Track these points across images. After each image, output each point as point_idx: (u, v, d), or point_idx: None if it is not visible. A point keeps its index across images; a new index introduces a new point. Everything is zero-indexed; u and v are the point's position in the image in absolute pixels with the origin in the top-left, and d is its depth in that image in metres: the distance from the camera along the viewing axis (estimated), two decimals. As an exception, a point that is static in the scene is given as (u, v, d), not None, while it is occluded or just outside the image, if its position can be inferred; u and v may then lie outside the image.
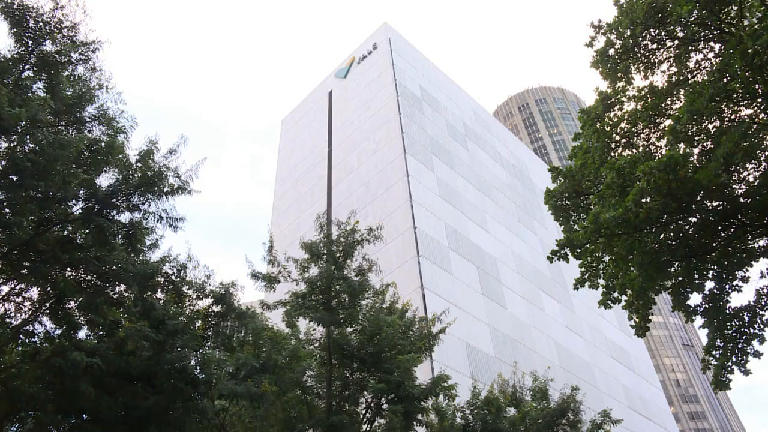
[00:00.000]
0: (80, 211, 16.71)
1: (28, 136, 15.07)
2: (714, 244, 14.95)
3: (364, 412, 23.58)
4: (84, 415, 19.12)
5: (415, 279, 48.36)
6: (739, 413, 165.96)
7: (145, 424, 18.67)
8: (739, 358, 15.00)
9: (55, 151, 14.79)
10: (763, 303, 14.87)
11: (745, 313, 15.06)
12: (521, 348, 54.14)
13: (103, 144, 16.54)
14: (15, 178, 15.06)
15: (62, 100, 15.91)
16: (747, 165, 14.31)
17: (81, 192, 16.48)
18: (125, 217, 17.42)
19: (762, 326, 14.84)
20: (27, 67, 16.19)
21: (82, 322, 18.15)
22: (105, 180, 17.21)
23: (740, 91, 13.85)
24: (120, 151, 16.85)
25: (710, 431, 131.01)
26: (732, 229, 14.73)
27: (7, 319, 17.73)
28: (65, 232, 17.19)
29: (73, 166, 15.87)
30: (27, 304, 17.80)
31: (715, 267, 15.26)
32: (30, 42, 16.07)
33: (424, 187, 58.55)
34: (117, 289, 17.98)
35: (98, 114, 17.04)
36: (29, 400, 17.82)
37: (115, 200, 16.93)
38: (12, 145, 15.39)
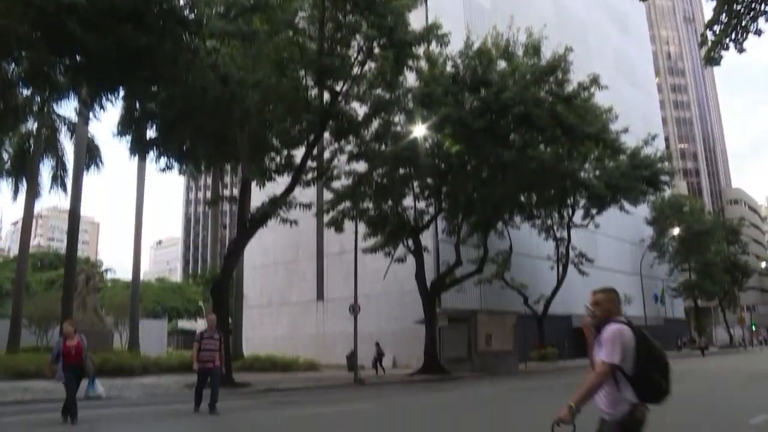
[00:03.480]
0: None
1: None
2: None
3: (355, 55, 23.76)
4: (77, 57, 19.17)
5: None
6: (719, 93, 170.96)
7: (137, 63, 18.84)
8: (739, 35, 14.65)
9: None
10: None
11: (760, -12, 14.26)
12: (520, 3, 52.43)
13: None
14: None
15: None
16: None
17: None
18: None
19: (773, 4, 14.18)
20: None
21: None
22: None
23: None
24: None
25: (687, 103, 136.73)
26: None
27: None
28: None
29: None
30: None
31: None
32: None
33: None
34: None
35: None
36: (20, 41, 17.60)
37: None
38: None
